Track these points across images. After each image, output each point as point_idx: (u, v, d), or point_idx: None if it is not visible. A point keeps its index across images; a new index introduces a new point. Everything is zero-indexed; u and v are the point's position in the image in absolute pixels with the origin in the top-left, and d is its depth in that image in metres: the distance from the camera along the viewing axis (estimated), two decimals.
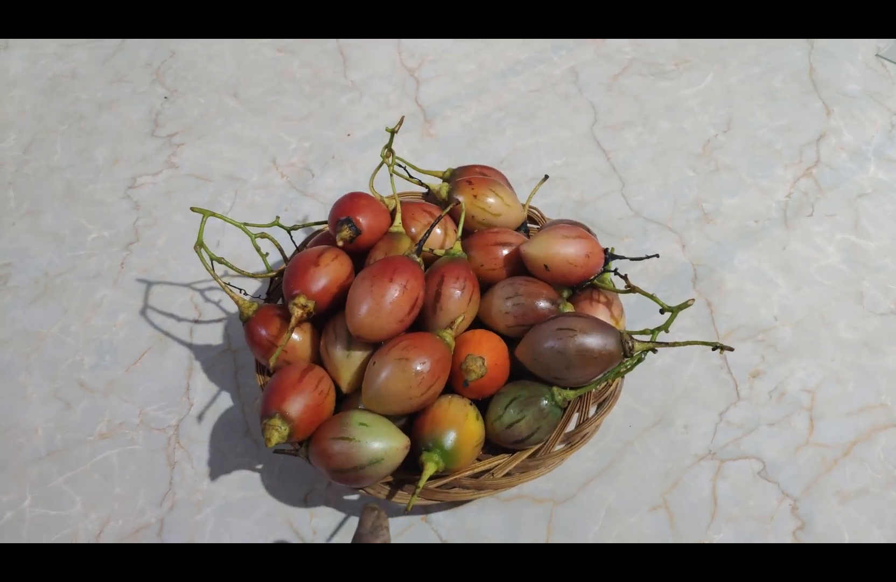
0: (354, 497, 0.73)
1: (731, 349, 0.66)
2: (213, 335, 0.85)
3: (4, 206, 0.97)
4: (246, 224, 0.77)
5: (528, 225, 0.84)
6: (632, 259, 0.77)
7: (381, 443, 0.65)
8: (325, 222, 0.81)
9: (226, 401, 0.80)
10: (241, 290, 0.77)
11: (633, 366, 0.68)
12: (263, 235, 0.78)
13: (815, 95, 1.07)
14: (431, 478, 0.68)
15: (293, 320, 0.69)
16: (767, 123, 1.04)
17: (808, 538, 0.70)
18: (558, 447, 0.70)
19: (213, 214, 0.74)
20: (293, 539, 0.71)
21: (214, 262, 0.75)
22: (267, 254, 0.80)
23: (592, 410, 0.73)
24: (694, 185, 0.97)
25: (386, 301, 0.67)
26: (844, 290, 0.87)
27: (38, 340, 0.85)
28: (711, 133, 1.03)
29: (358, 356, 0.70)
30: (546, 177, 0.85)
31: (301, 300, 0.70)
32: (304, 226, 0.82)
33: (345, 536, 0.71)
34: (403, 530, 0.71)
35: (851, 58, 1.11)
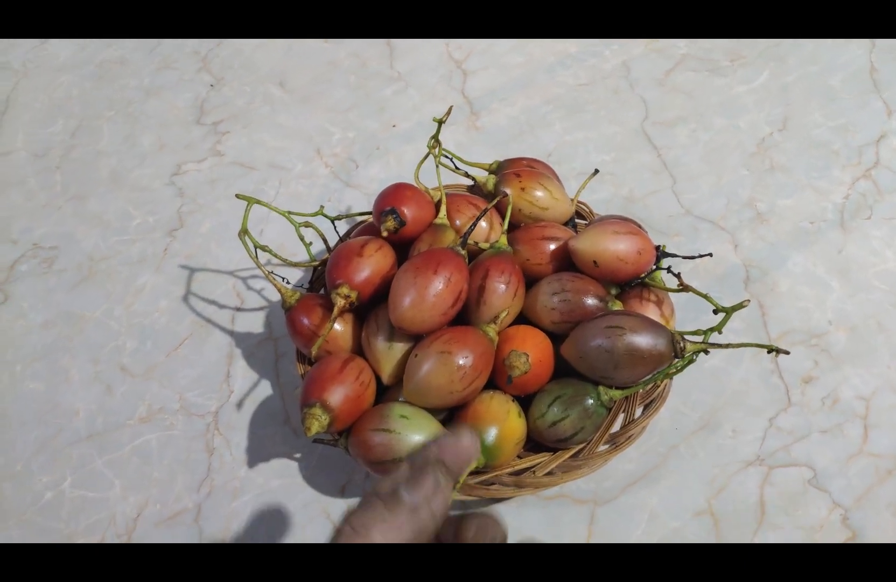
0: None
1: (786, 352, 0.63)
2: (254, 323, 0.84)
3: (51, 189, 0.97)
4: (290, 213, 0.76)
5: (577, 220, 0.83)
6: (684, 258, 0.75)
7: (421, 436, 0.64)
8: (368, 213, 0.80)
9: (265, 389, 0.79)
10: (283, 278, 0.77)
11: (683, 367, 0.66)
12: (307, 225, 0.77)
13: (875, 95, 1.03)
14: (471, 474, 0.66)
15: (335, 310, 0.68)
16: (825, 123, 1.00)
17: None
18: (602, 448, 0.68)
19: (258, 202, 0.74)
20: (329, 530, 0.70)
21: (258, 249, 0.74)
22: (311, 243, 0.79)
23: (639, 412, 0.71)
24: (748, 184, 0.94)
25: (429, 294, 0.65)
26: None
27: (81, 323, 0.85)
28: (766, 131, 1.00)
29: (399, 348, 0.68)
30: (596, 171, 0.83)
31: (344, 290, 0.69)
32: (347, 216, 0.81)
33: None
34: None
35: None
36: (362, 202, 0.94)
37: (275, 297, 0.86)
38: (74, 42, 1.16)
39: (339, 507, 0.71)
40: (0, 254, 0.91)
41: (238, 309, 0.85)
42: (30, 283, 0.88)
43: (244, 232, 0.73)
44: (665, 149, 0.98)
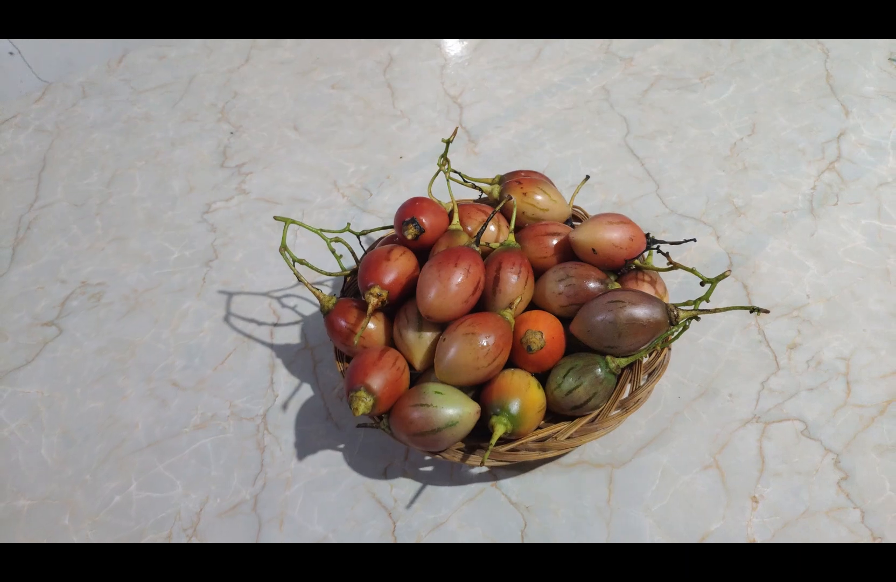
0: (430, 468, 0.80)
1: (766, 311, 0.73)
2: (291, 336, 0.93)
3: (92, 233, 1.06)
4: (322, 230, 0.86)
5: (573, 223, 0.92)
6: (671, 243, 0.84)
7: (454, 409, 0.72)
8: (389, 226, 0.90)
9: (307, 391, 0.88)
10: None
11: (679, 334, 0.76)
12: (337, 239, 0.86)
13: (833, 98, 1.15)
14: (500, 442, 0.75)
15: (370, 307, 0.77)
16: (789, 125, 1.11)
17: (852, 488, 0.76)
18: (614, 412, 0.77)
19: (294, 222, 0.83)
20: (376, 508, 0.78)
21: (296, 262, 0.83)
22: (341, 255, 0.88)
23: (643, 380, 0.79)
24: (724, 183, 1.05)
25: (452, 284, 0.75)
26: (871, 268, 0.93)
27: (132, 347, 0.93)
28: (737, 137, 1.10)
29: (428, 337, 0.77)
30: (587, 177, 0.93)
31: (376, 290, 0.78)
32: (372, 231, 0.90)
33: (422, 504, 0.78)
34: (476, 496, 0.78)
35: (865, 63, 1.19)
36: (378, 225, 1.04)
37: (308, 311, 0.95)
38: (101, 104, 1.26)
39: (383, 487, 0.79)
40: (51, 293, 0.99)
41: (276, 324, 0.94)
42: (81, 316, 0.97)
43: (284, 248, 0.82)
44: (647, 158, 1.09)
